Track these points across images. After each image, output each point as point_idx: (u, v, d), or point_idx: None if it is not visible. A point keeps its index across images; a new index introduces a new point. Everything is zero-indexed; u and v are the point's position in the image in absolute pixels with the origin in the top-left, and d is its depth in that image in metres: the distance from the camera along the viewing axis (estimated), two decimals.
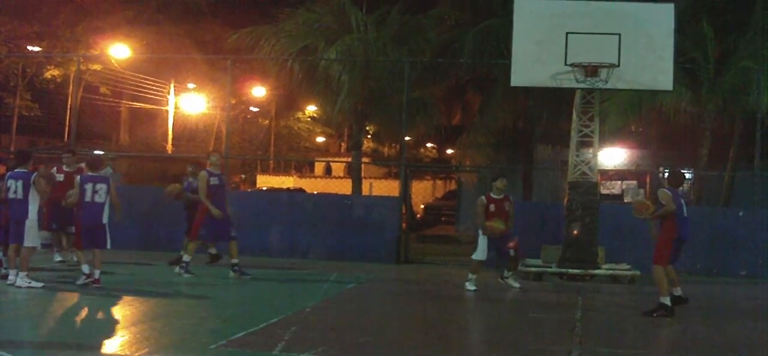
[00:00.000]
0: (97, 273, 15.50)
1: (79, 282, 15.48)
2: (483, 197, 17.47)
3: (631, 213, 15.48)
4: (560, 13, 18.87)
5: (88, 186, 15.61)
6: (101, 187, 15.65)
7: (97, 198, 15.61)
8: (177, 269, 17.78)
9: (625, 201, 30.24)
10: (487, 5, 28.46)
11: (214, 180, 17.94)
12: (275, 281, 18.03)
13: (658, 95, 22.59)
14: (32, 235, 15.21)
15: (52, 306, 13.96)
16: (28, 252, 15.21)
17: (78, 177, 16.16)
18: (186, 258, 17.79)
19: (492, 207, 17.29)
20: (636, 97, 23.84)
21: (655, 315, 14.36)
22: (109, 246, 15.86)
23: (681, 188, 15.64)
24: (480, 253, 17.28)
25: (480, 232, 17.34)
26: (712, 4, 25.11)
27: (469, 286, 17.19)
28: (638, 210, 15.23)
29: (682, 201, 14.94)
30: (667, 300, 14.53)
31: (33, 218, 15.19)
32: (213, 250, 19.47)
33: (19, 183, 15.14)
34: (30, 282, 15.00)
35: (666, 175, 15.78)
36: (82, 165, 17.92)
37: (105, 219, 15.74)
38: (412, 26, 27.04)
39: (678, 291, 14.98)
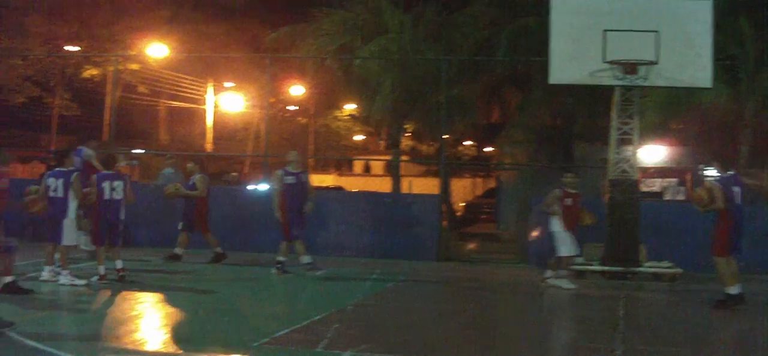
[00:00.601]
0: (119, 264, 15.85)
1: (93, 279, 15.58)
2: (557, 190, 17.53)
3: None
4: (597, 11, 18.82)
5: (106, 185, 15.89)
6: (118, 185, 15.93)
7: (115, 196, 15.89)
8: (273, 270, 17.85)
9: (666, 198, 30.04)
10: (523, 3, 28.40)
11: (289, 179, 17.92)
12: (317, 279, 17.95)
13: (697, 92, 22.42)
14: (70, 234, 15.37)
15: (94, 303, 14.07)
16: (66, 251, 15.40)
17: (94, 175, 16.39)
18: (281, 257, 17.88)
19: (568, 200, 17.43)
20: (674, 95, 23.68)
21: (726, 307, 14.40)
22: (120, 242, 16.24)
23: (728, 171, 15.42)
24: (567, 248, 17.38)
25: (556, 229, 17.43)
26: (749, 0, 24.92)
27: (566, 284, 17.25)
28: (695, 203, 15.26)
29: (736, 189, 14.89)
30: (733, 290, 14.54)
31: (71, 217, 15.36)
32: (176, 251, 19.63)
33: (60, 181, 15.32)
34: (73, 280, 15.18)
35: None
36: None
37: (122, 216, 16.05)
38: (448, 24, 27.06)
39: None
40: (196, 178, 19.77)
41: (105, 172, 16.28)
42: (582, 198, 17.90)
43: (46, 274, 15.51)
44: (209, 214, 19.84)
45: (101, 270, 15.70)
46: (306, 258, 17.96)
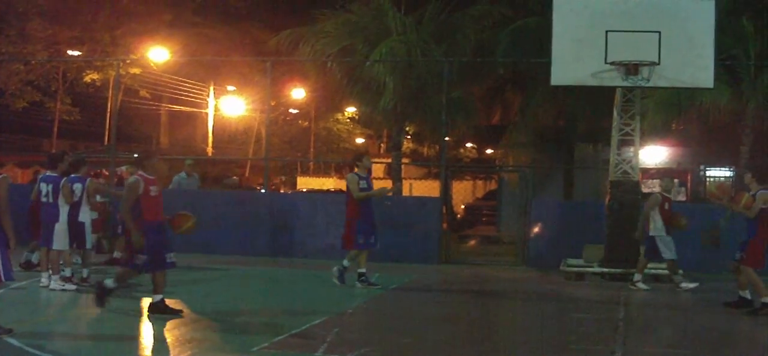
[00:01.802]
0: (85, 273, 15.81)
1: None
2: (657, 194, 17.72)
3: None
4: (600, 12, 18.75)
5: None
6: (77, 187, 15.59)
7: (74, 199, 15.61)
8: (358, 284, 16.77)
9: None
10: (525, 3, 28.36)
11: (363, 184, 16.91)
12: (316, 282, 17.90)
13: (699, 93, 22.39)
14: (61, 239, 15.27)
15: (88, 308, 13.59)
16: (56, 255, 15.32)
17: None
18: (346, 263, 16.79)
19: (666, 205, 17.56)
20: (675, 95, 23.64)
21: (759, 314, 14.27)
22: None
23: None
24: (673, 252, 17.53)
25: (660, 233, 17.47)
26: (752, 0, 24.84)
27: (687, 284, 17.47)
28: (743, 207, 14.89)
29: None
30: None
31: (63, 221, 15.28)
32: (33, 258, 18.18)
33: (50, 186, 15.27)
34: (63, 285, 15.14)
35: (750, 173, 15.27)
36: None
37: (81, 218, 15.61)
38: (450, 25, 26.96)
39: (746, 294, 14.87)
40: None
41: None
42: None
43: (45, 280, 15.44)
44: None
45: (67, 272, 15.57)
46: (346, 263, 16.85)
